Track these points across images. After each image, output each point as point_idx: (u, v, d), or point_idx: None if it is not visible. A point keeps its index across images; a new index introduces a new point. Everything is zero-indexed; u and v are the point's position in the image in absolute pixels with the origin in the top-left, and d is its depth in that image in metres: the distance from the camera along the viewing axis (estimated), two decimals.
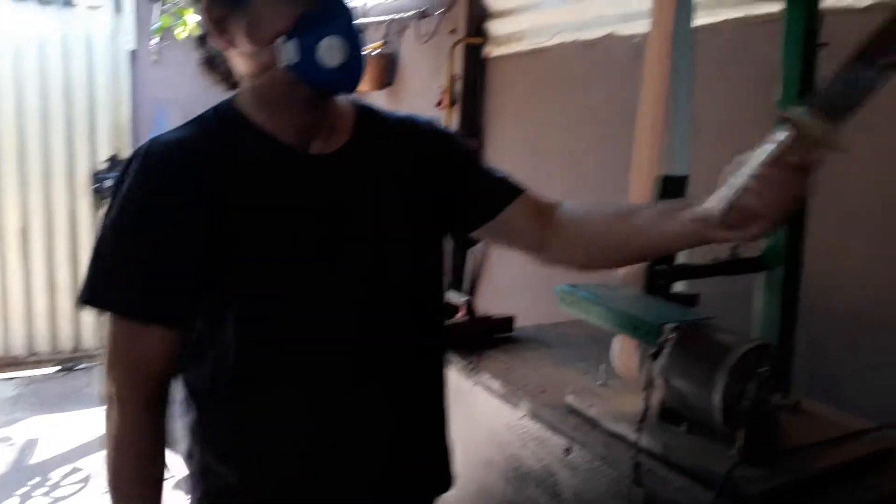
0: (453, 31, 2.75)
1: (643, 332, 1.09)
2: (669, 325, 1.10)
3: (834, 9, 1.38)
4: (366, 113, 1.04)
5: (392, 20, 3.26)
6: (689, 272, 1.25)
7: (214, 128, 0.93)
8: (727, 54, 1.64)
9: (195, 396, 0.98)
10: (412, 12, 3.07)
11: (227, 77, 0.98)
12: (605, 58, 2.08)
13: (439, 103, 2.84)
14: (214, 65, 0.98)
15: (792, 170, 0.76)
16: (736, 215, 0.80)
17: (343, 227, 0.95)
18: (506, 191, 1.07)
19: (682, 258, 1.33)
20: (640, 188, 1.29)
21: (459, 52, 2.72)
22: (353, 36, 0.87)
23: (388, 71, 3.37)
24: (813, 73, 1.22)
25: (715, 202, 0.81)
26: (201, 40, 0.97)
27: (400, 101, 3.34)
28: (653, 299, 1.23)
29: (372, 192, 0.98)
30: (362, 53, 0.89)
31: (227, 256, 0.89)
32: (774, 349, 1.13)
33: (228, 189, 0.90)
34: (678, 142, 1.29)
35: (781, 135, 0.74)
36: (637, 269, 1.29)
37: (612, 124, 2.07)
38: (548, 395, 1.47)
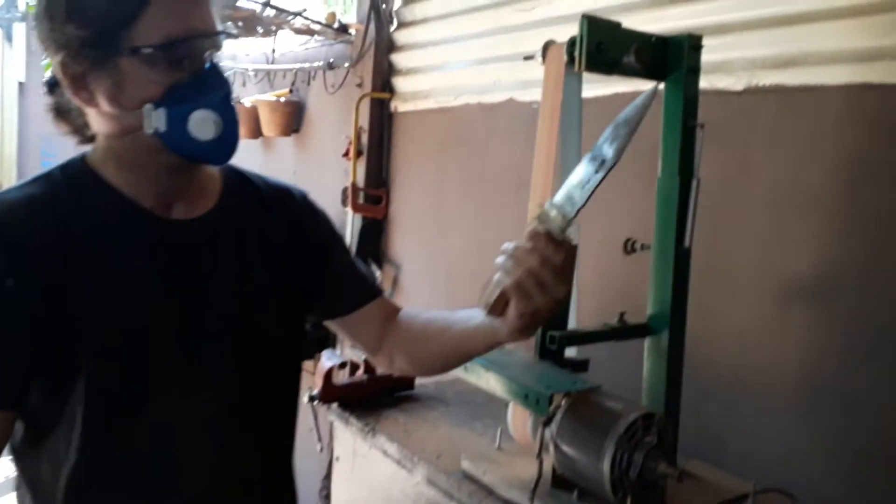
0: (360, 85, 2.76)
1: (534, 400, 1.10)
2: (559, 394, 1.11)
3: (711, 90, 1.48)
4: (235, 178, 0.99)
5: (300, 69, 3.24)
6: (580, 338, 1.28)
7: (63, 187, 0.85)
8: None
9: (32, 488, 0.87)
10: (320, 63, 3.07)
11: (79, 130, 0.90)
12: (506, 122, 2.15)
13: (346, 153, 2.83)
14: (67, 115, 0.90)
15: (544, 265, 0.80)
16: (498, 309, 0.85)
17: (203, 299, 0.89)
18: (364, 291, 1.08)
19: (572, 323, 1.36)
20: None
21: (366, 105, 2.73)
22: (227, 110, 0.83)
23: (295, 118, 3.33)
24: (692, 151, 1.30)
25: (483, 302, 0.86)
26: (51, 86, 0.89)
27: (307, 148, 3.31)
28: (545, 365, 1.25)
29: (236, 261, 0.93)
30: (237, 127, 0.86)
31: (74, 329, 0.81)
32: (661, 418, 1.16)
33: (78, 254, 0.82)
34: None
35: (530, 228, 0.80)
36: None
37: (509, 187, 2.13)
38: (444, 460, 1.45)
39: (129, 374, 0.83)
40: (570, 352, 1.34)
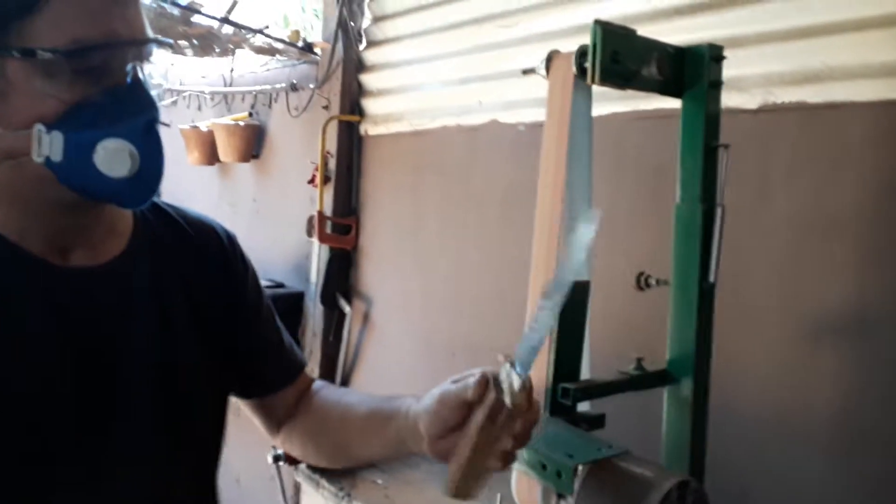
0: (326, 107, 2.59)
1: (553, 473, 0.92)
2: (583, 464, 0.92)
3: (723, 109, 1.34)
4: (151, 212, 0.81)
5: (260, 91, 3.04)
6: (597, 390, 1.10)
7: None
8: (610, 149, 1.58)
9: None
10: (282, 84, 2.88)
11: None
12: (488, 144, 2.00)
13: (311, 180, 2.64)
14: None
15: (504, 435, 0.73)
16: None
17: (114, 370, 0.71)
18: (290, 368, 0.94)
19: (584, 372, 1.19)
20: (540, 290, 1.14)
21: (333, 129, 2.55)
22: (149, 141, 0.67)
23: (254, 143, 3.13)
24: (714, 173, 1.15)
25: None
26: None
27: (268, 174, 3.10)
28: (559, 425, 1.06)
29: (154, 319, 0.75)
30: (161, 163, 0.70)
31: None
32: (697, 486, 0.99)
33: None
34: (577, 243, 1.16)
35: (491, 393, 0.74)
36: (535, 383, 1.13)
37: (494, 212, 1.97)
38: None
39: (24, 465, 0.65)
40: (582, 405, 1.16)
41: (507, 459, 0.75)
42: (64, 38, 0.61)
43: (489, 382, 0.74)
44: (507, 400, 0.72)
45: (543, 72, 1.16)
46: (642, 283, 1.25)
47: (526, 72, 1.21)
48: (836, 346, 1.26)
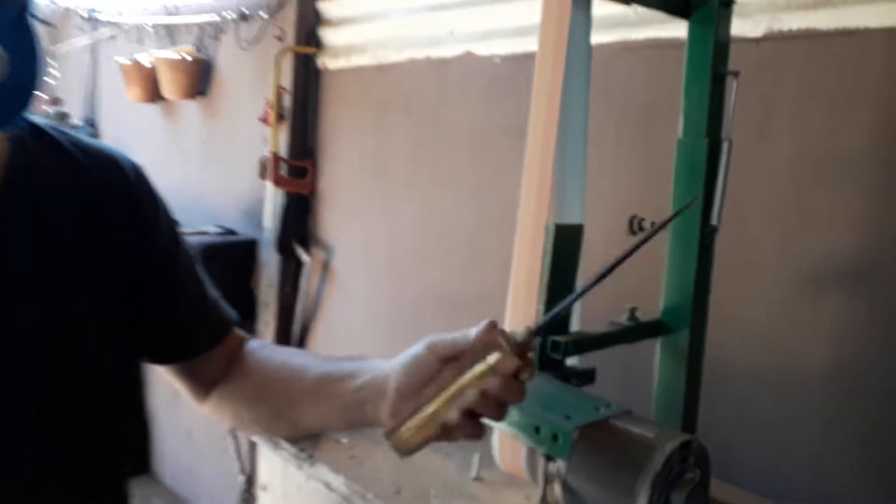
0: (280, 38, 2.39)
1: (548, 436, 0.82)
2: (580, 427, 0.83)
3: None
4: (32, 139, 0.66)
5: (207, 22, 2.81)
6: (589, 343, 1.01)
7: None
8: (595, 83, 1.47)
9: None
10: (231, 14, 2.66)
11: None
12: (462, 79, 1.85)
13: (264, 118, 2.46)
14: None
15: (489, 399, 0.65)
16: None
17: None
18: (217, 327, 0.81)
19: (574, 324, 1.09)
20: (528, 237, 1.03)
21: (288, 62, 2.36)
22: (20, 39, 0.54)
23: (201, 79, 2.91)
24: (721, 104, 1.05)
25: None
26: None
27: (217, 112, 2.90)
28: (551, 382, 0.97)
29: (38, 271, 0.62)
30: (36, 68, 0.56)
31: None
32: (700, 446, 0.91)
33: None
34: (571, 183, 1.06)
35: (493, 358, 0.64)
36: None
37: (467, 154, 1.84)
38: (405, 497, 1.16)
39: None
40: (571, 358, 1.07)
41: (474, 425, 0.66)
42: None
43: (497, 327, 0.64)
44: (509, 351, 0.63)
45: None
46: (635, 226, 1.15)
47: None
48: (836, 299, 1.19)
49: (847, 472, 1.19)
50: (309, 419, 0.75)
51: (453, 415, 0.64)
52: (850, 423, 1.18)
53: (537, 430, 0.84)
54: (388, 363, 0.70)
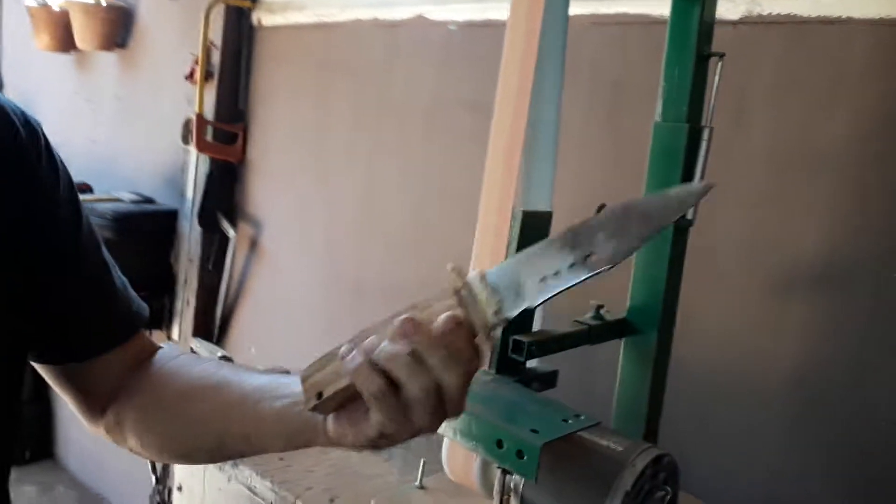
0: None
1: (512, 452, 0.73)
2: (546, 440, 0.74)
3: None
4: None
5: None
6: (554, 343, 0.92)
7: None
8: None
9: None
10: None
11: None
12: (412, 44, 1.73)
13: (190, 75, 2.26)
14: None
15: (449, 370, 0.50)
16: (330, 408, 0.54)
17: None
18: (116, 323, 0.68)
19: (537, 322, 1.00)
20: (492, 223, 0.94)
21: (218, 15, 2.17)
22: None
23: (120, 29, 2.67)
24: (704, 89, 0.97)
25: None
26: None
27: (137, 67, 2.66)
28: (511, 386, 0.88)
29: None
30: None
31: None
32: (672, 461, 0.84)
33: None
34: (541, 167, 0.96)
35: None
36: None
37: (416, 126, 1.72)
38: None
39: None
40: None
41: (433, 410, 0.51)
42: None
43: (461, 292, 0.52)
44: (477, 319, 0.51)
45: None
46: None
47: None
48: (807, 300, 1.15)
49: (806, 482, 1.16)
50: (239, 439, 0.62)
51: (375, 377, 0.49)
52: (812, 433, 1.15)
53: (499, 444, 0.75)
54: None
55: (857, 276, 1.09)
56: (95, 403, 0.69)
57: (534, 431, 0.75)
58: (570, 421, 0.80)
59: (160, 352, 0.71)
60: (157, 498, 2.07)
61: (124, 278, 0.69)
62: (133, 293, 0.70)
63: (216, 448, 0.65)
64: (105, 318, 0.67)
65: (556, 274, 0.53)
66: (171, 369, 0.68)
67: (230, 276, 2.27)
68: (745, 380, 1.21)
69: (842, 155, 1.10)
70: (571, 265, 0.53)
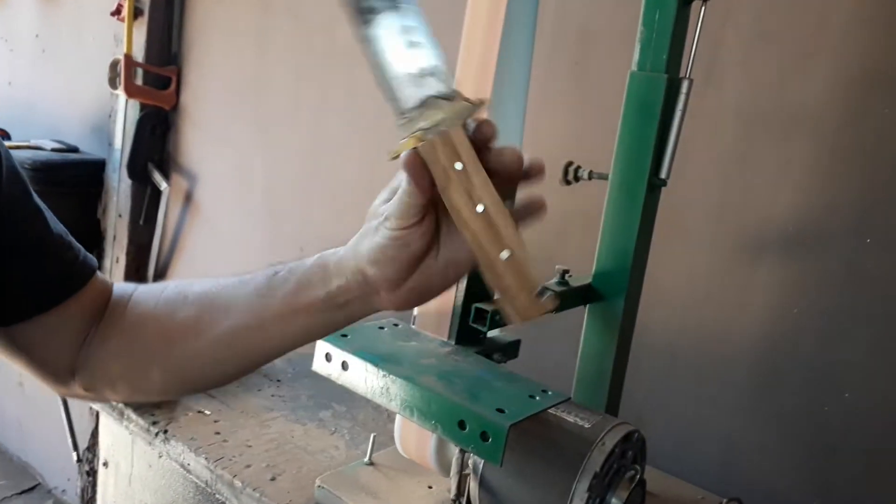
0: None
1: (476, 433, 0.67)
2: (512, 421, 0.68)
3: None
4: None
5: None
6: None
7: None
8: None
9: None
10: None
11: None
12: None
13: (117, 12, 2.07)
14: None
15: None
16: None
17: None
18: (68, 270, 0.63)
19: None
20: None
21: None
22: None
23: None
24: (684, 35, 0.90)
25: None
26: None
27: (57, 2, 2.43)
28: (472, 360, 0.81)
29: None
30: None
31: None
32: (640, 437, 0.80)
33: None
34: (510, 122, 0.88)
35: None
36: (437, 306, 0.86)
37: (367, 73, 1.60)
38: (282, 485, 0.99)
39: None
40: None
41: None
42: None
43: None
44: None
45: None
46: (570, 175, 1.01)
47: None
48: (776, 265, 1.12)
49: (764, 452, 1.14)
50: (263, 345, 0.59)
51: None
52: (773, 401, 1.12)
53: (461, 424, 0.68)
54: (343, 252, 0.57)
55: (830, 242, 1.06)
56: (60, 363, 0.64)
57: (499, 411, 0.68)
58: (537, 398, 0.74)
59: (115, 291, 0.66)
60: (87, 467, 1.96)
61: (62, 226, 0.64)
62: (75, 241, 0.65)
63: (233, 362, 0.61)
64: (51, 268, 0.62)
65: None
66: (143, 308, 0.63)
67: (163, 233, 2.13)
68: (708, 347, 1.18)
69: (817, 115, 1.06)
70: None
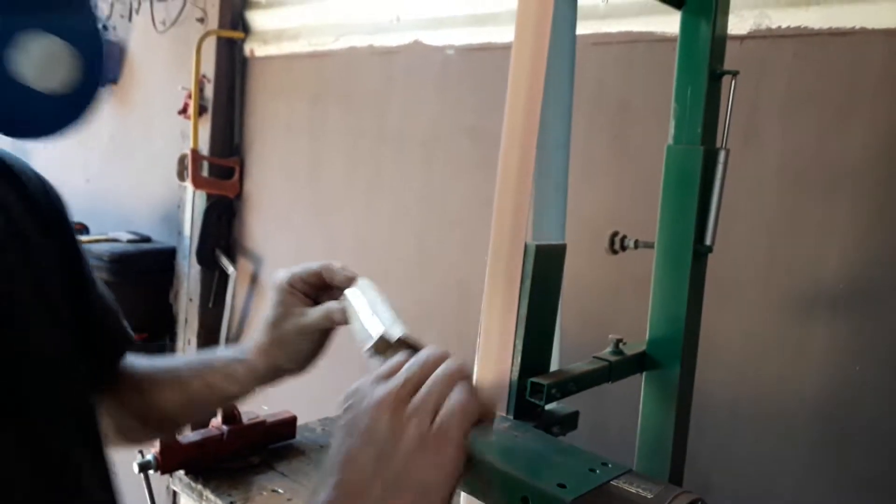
0: (202, 20, 2.18)
1: None
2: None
3: None
4: None
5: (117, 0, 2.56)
6: (574, 384, 0.88)
7: None
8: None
9: None
10: None
11: None
12: (408, 71, 1.70)
13: (183, 110, 2.24)
14: None
15: None
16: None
17: None
18: (121, 337, 0.78)
19: (554, 362, 0.96)
20: (505, 259, 0.90)
21: (210, 47, 2.16)
22: (95, 44, 0.55)
23: (112, 64, 2.65)
24: (717, 107, 0.94)
25: None
26: None
27: (128, 103, 2.65)
28: (530, 435, 0.84)
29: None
30: (100, 77, 0.56)
31: None
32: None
33: None
34: (553, 196, 0.93)
35: None
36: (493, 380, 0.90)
37: (414, 155, 1.70)
38: None
39: None
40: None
41: None
42: None
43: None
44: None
45: None
46: (617, 244, 1.04)
47: None
48: (829, 324, 1.11)
49: None
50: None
51: None
52: (834, 463, 1.10)
53: (524, 501, 0.71)
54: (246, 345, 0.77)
55: (881, 297, 1.06)
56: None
57: (560, 486, 0.70)
58: (597, 471, 0.75)
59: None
60: None
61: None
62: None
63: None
64: (112, 329, 0.76)
65: None
66: (135, 367, 0.79)
67: (231, 314, 2.24)
68: (769, 407, 1.17)
69: (859, 171, 1.07)
70: None
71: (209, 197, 2.22)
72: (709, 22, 0.92)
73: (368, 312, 0.75)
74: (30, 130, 0.56)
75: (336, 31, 1.87)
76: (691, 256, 0.95)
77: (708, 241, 0.96)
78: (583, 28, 1.40)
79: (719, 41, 0.94)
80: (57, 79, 0.52)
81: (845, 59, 1.10)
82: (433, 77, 1.65)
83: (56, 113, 0.55)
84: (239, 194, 2.21)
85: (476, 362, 0.93)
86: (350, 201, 1.88)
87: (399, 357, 0.57)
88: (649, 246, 1.01)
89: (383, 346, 0.67)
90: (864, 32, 1.08)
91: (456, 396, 0.54)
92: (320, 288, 0.79)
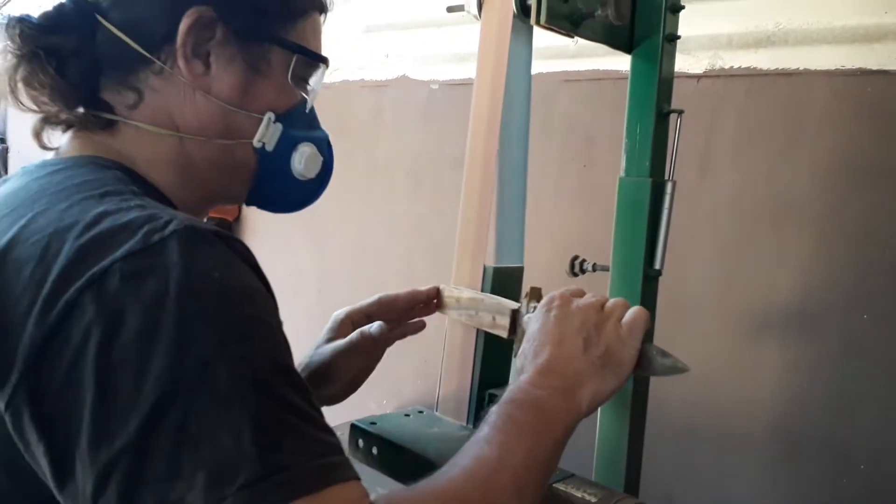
0: None
1: None
2: None
3: None
4: None
5: None
6: None
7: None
8: (534, 115, 1.45)
9: None
10: None
11: (56, 99, 0.62)
12: (396, 104, 1.80)
13: None
14: (61, 69, 0.61)
15: None
16: None
17: None
18: None
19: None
20: (467, 280, 0.98)
21: None
22: (331, 153, 0.80)
23: None
24: (665, 143, 1.02)
25: None
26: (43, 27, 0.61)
27: None
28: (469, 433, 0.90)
29: None
30: (330, 176, 0.81)
31: None
32: None
33: None
34: (511, 221, 1.01)
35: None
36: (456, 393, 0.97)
37: (402, 182, 1.78)
38: None
39: None
40: None
41: None
42: (313, 47, 0.72)
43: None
44: None
45: (474, 9, 0.98)
46: (576, 268, 1.11)
47: (451, 9, 1.02)
48: (781, 344, 1.18)
49: None
50: None
51: None
52: (789, 474, 1.16)
53: None
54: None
55: (828, 320, 1.12)
56: None
57: None
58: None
59: None
60: None
61: None
62: None
63: None
64: None
65: None
66: None
67: None
68: (724, 424, 1.23)
69: (805, 202, 1.15)
70: None
71: (209, 220, 2.30)
72: (655, 65, 1.01)
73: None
74: (288, 207, 0.80)
75: (330, 65, 1.97)
76: (642, 279, 1.03)
77: (657, 266, 1.03)
78: (555, 66, 1.50)
79: (666, 82, 1.02)
80: (313, 171, 0.74)
81: (791, 98, 1.18)
82: (419, 109, 1.74)
83: (305, 194, 0.78)
84: (237, 217, 2.30)
85: (443, 372, 1.00)
86: (343, 229, 1.96)
87: (571, 287, 0.77)
88: (605, 269, 1.08)
89: (536, 293, 0.84)
90: (807, 73, 1.16)
91: (634, 310, 0.75)
92: (381, 317, 0.93)
